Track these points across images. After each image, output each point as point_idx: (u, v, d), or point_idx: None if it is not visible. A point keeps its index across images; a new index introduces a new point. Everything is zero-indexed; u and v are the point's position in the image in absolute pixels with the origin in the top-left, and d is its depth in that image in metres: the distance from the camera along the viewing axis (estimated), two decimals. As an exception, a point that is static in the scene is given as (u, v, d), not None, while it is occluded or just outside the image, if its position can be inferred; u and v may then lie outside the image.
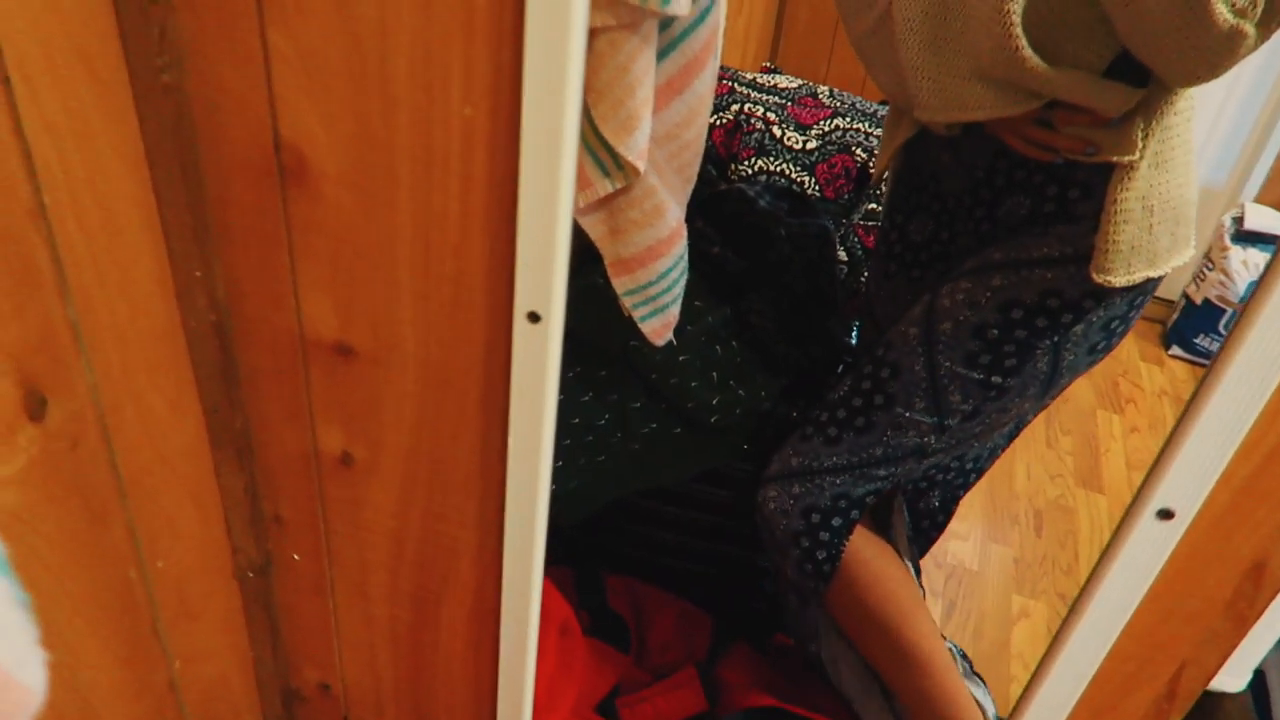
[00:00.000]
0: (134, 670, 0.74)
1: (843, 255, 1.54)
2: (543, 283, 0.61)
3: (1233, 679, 0.66)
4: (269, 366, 0.74)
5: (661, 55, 0.91)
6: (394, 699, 0.92)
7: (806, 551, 1.09)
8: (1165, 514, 0.56)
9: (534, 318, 0.63)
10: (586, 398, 1.30)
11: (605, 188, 0.95)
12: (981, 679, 1.29)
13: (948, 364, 1.01)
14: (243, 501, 0.81)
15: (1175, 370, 2.75)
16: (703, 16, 0.91)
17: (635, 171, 0.93)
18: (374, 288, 0.67)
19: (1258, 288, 0.53)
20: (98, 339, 0.63)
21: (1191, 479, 0.55)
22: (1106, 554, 0.59)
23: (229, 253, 0.69)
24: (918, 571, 1.25)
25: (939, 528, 1.32)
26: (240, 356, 0.74)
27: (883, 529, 1.19)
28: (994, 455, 1.25)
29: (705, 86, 0.99)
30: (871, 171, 1.61)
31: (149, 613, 0.75)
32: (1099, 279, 0.91)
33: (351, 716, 0.96)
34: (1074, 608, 0.62)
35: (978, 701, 1.15)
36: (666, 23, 0.88)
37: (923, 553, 1.35)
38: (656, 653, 1.39)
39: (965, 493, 1.28)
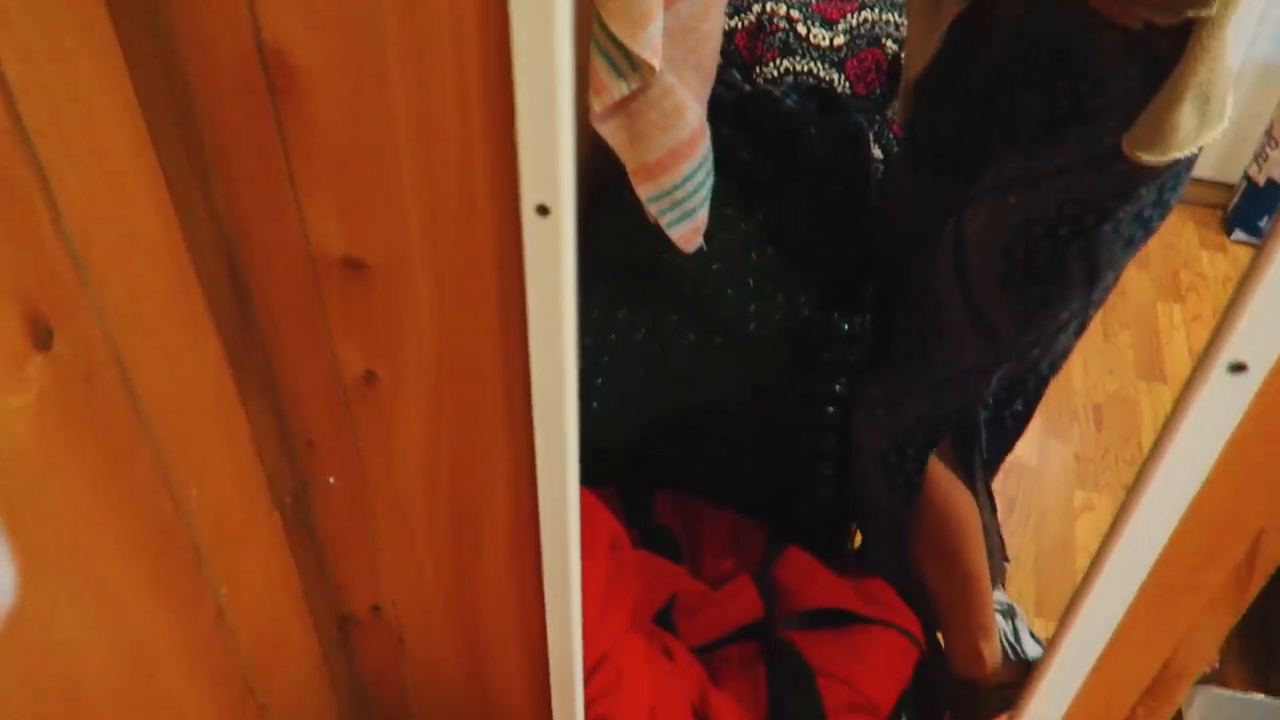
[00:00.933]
0: (179, 598, 0.74)
1: (878, 152, 1.48)
2: (548, 172, 0.58)
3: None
4: (281, 288, 0.72)
5: (669, -58, 0.86)
6: (444, 618, 0.92)
7: (895, 467, 1.16)
8: (1238, 367, 0.52)
9: (543, 210, 0.59)
10: (621, 314, 1.27)
11: (621, 90, 0.91)
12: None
13: (983, 291, 1.00)
14: (272, 427, 0.80)
15: (1239, 255, 2.63)
16: (711, -109, 0.85)
17: (650, 70, 0.88)
18: (377, 195, 0.65)
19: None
20: (99, 265, 0.61)
21: (1267, 328, 0.50)
22: (1173, 415, 0.55)
23: (225, 171, 0.66)
24: (991, 499, 1.32)
25: (1020, 429, 1.33)
26: (251, 279, 0.72)
27: (967, 467, 1.24)
28: (1066, 353, 1.23)
29: (718, -26, 0.93)
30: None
31: (189, 541, 0.74)
32: (1130, 150, 0.86)
33: (405, 637, 0.96)
34: (1139, 476, 0.58)
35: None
36: (673, -98, 0.83)
37: (1006, 453, 1.36)
38: (710, 564, 1.38)
39: (1044, 391, 1.28)
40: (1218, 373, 0.51)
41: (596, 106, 0.92)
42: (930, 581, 1.27)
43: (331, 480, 0.83)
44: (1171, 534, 0.60)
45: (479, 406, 0.73)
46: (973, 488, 1.25)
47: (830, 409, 1.29)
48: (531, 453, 0.74)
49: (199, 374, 0.72)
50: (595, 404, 1.28)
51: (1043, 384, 1.26)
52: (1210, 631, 0.64)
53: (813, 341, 1.23)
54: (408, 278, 0.68)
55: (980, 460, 1.27)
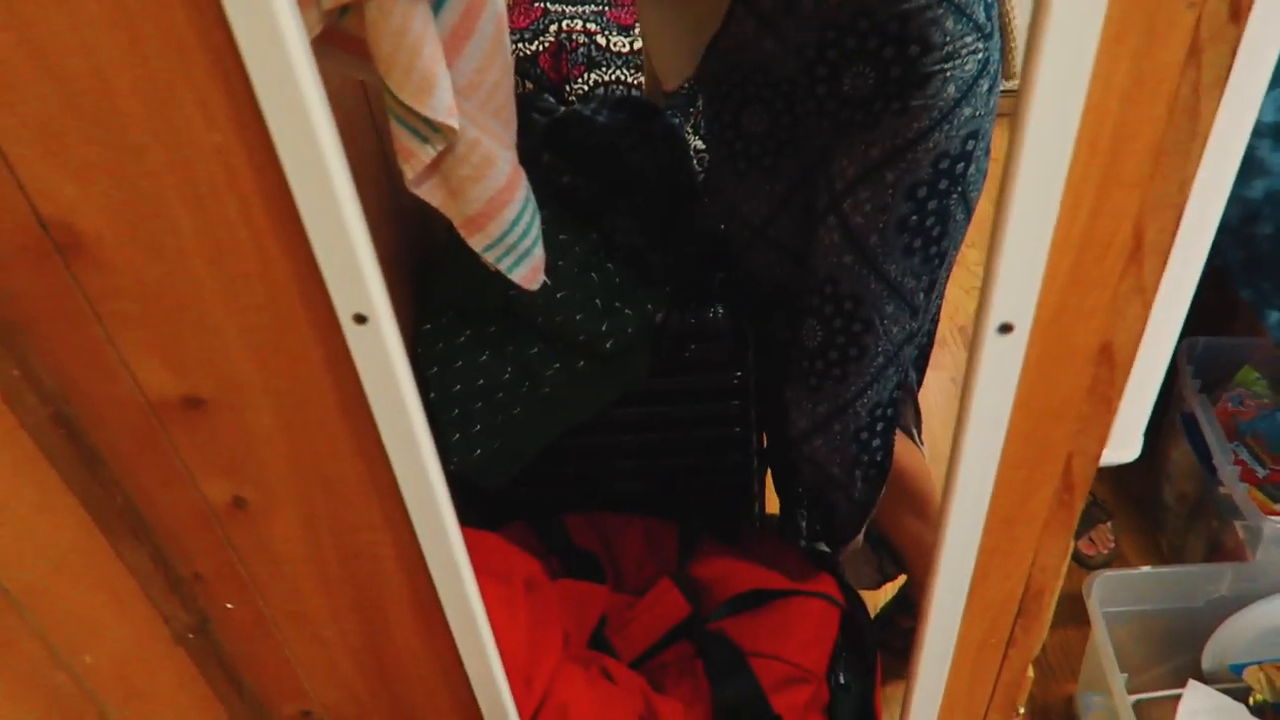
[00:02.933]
0: (99, 766, 0.74)
1: (698, 144, 1.53)
2: (354, 281, 0.60)
3: (1127, 450, 0.70)
4: (127, 438, 0.72)
5: (437, 8, 0.88)
6: (374, 705, 0.94)
7: (867, 464, 1.20)
8: (1005, 328, 0.58)
9: (360, 319, 0.61)
10: (484, 357, 1.29)
11: (428, 154, 0.92)
12: None
13: (892, 266, 1.06)
14: (154, 571, 0.80)
15: (1058, 154, 2.80)
16: (464, -45, 0.88)
17: (451, 130, 0.91)
18: (197, 334, 0.65)
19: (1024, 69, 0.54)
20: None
21: (1019, 289, 0.56)
22: (966, 380, 0.60)
23: (40, 343, 0.66)
24: (920, 431, 1.39)
25: (922, 373, 1.44)
26: (95, 438, 0.72)
27: (904, 421, 1.30)
28: (942, 296, 1.31)
29: (493, 26, 0.96)
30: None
31: (94, 708, 0.74)
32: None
33: (342, 734, 0.97)
34: (955, 438, 0.64)
35: None
36: (431, -28, 0.85)
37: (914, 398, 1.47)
38: (632, 575, 1.42)
39: (935, 332, 1.39)
40: (990, 336, 0.57)
41: (409, 173, 0.93)
42: (905, 538, 1.33)
43: (230, 606, 0.84)
44: (995, 474, 0.66)
45: (351, 507, 0.75)
46: (913, 437, 1.32)
47: (716, 404, 1.34)
48: (414, 535, 0.76)
49: (64, 543, 0.72)
50: (479, 450, 1.30)
51: (935, 326, 1.34)
52: (1053, 550, 0.70)
53: (669, 345, 1.27)
54: (250, 403, 0.69)
55: (915, 411, 1.34)
